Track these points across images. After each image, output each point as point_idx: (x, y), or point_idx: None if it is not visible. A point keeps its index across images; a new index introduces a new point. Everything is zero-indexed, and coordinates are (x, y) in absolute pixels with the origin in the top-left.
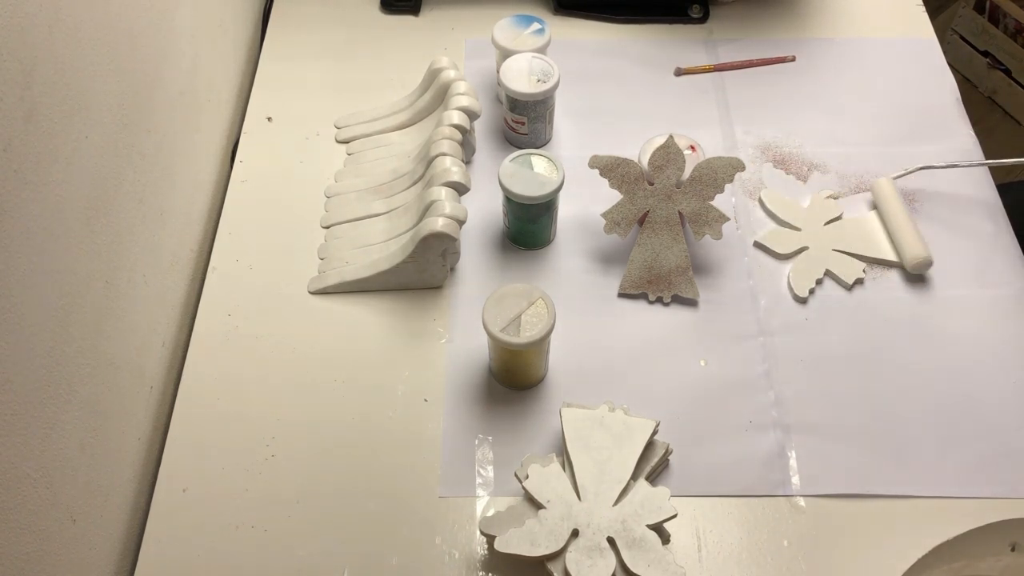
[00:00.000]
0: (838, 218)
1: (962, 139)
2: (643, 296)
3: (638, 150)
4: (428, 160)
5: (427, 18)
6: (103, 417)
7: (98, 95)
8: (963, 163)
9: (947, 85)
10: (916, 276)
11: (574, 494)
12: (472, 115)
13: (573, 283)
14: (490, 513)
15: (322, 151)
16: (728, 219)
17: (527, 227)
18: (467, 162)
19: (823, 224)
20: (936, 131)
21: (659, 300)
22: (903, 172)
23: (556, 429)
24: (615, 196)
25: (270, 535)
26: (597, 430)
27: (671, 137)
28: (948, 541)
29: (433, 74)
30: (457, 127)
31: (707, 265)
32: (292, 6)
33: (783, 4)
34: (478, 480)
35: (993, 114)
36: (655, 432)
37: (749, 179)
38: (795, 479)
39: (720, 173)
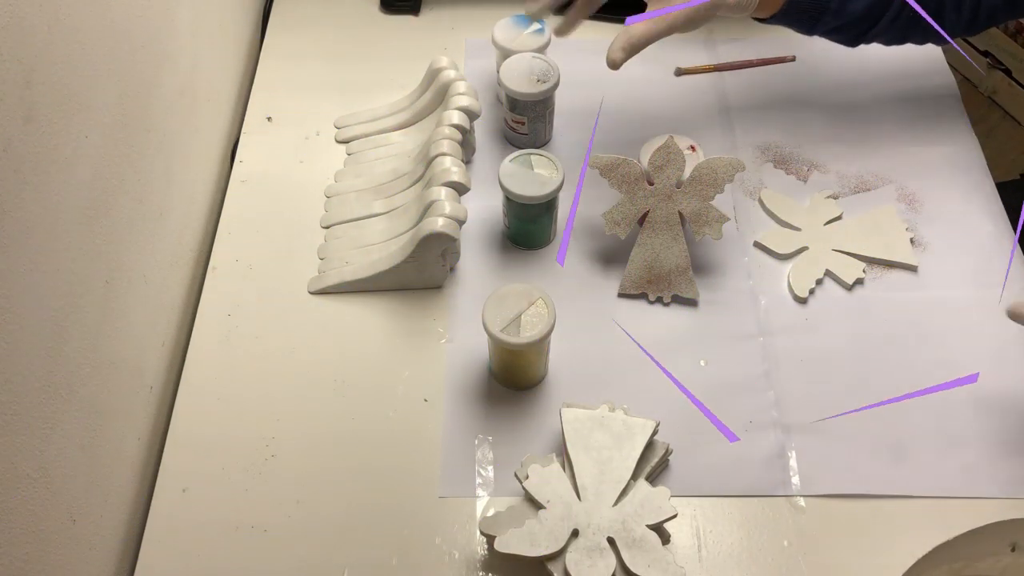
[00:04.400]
0: (838, 218)
1: (962, 139)
2: (643, 296)
3: (638, 150)
4: (428, 160)
5: (427, 18)
6: (103, 417)
7: (98, 95)
8: None
9: (947, 85)
10: (916, 276)
11: (574, 494)
12: (472, 115)
13: (573, 283)
14: (490, 513)
15: (322, 151)
16: (728, 219)
17: (527, 227)
18: (467, 162)
19: (823, 224)
20: (936, 131)
21: (659, 300)
22: None
23: (556, 429)
24: (615, 196)
25: (270, 535)
26: (597, 430)
27: (671, 137)
28: (948, 541)
29: (433, 74)
30: (457, 127)
31: (707, 265)
32: (292, 6)
33: None
34: (478, 480)
35: (993, 114)
36: (655, 432)
37: (749, 179)
38: (795, 479)
39: (720, 173)
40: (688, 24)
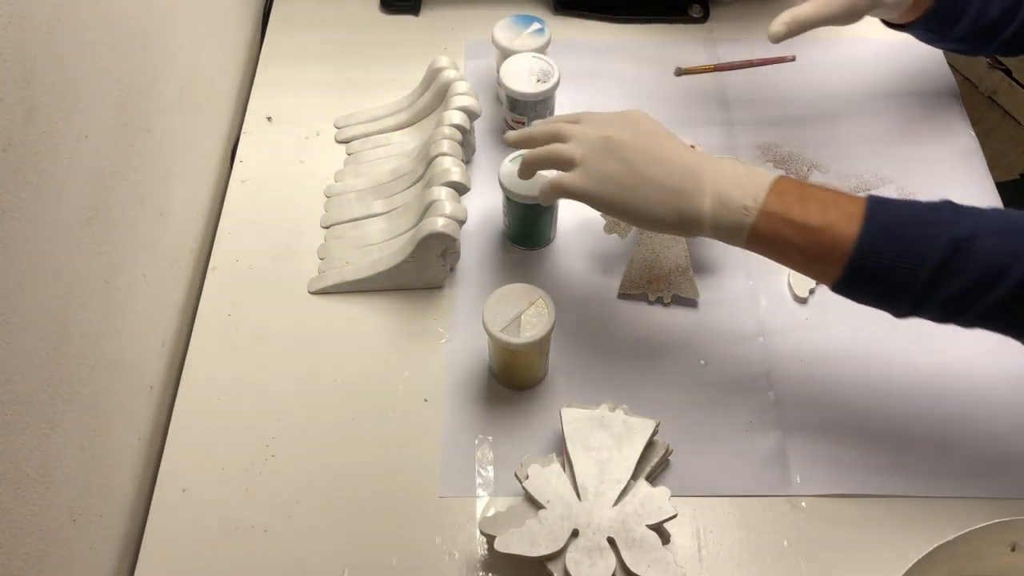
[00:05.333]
0: None
1: (962, 139)
2: (643, 296)
3: None
4: (428, 160)
5: (427, 18)
6: (103, 417)
7: (98, 95)
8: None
9: (947, 85)
10: None
11: (574, 494)
12: (472, 115)
13: (573, 283)
14: (490, 513)
15: (322, 151)
16: None
17: (527, 227)
18: (467, 162)
19: None
20: (936, 131)
21: (659, 300)
22: None
23: (556, 429)
24: None
25: (270, 535)
26: (597, 430)
27: None
28: (948, 541)
29: (433, 74)
30: (457, 127)
31: (707, 265)
32: (292, 6)
33: (783, 4)
34: (478, 480)
35: (993, 114)
36: (655, 432)
37: None
38: (795, 479)
39: None
40: (849, 16)
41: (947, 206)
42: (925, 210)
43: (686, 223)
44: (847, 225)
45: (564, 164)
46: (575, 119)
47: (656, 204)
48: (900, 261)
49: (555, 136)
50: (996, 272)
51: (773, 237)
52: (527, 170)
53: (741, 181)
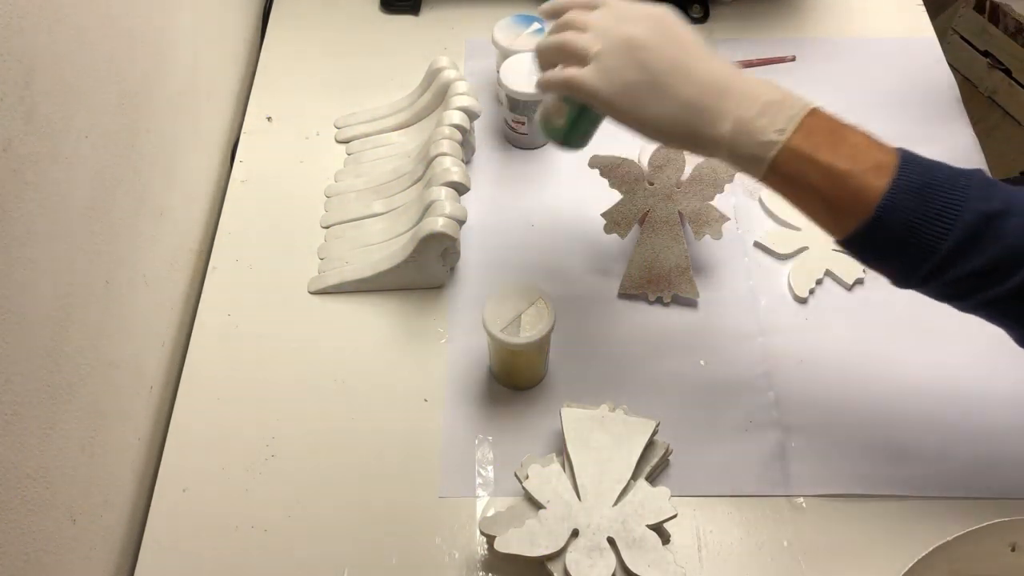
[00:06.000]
0: None
1: (962, 139)
2: (643, 296)
3: (638, 150)
4: (428, 160)
5: (427, 18)
6: (103, 417)
7: (98, 95)
8: None
9: (947, 85)
10: None
11: (574, 494)
12: (472, 115)
13: (573, 283)
14: (490, 513)
15: (322, 151)
16: (728, 219)
17: (583, 126)
18: (467, 162)
19: None
20: (936, 131)
21: (659, 300)
22: None
23: (556, 429)
24: (615, 196)
25: (270, 535)
26: (597, 430)
27: None
28: (948, 541)
29: (433, 74)
30: (457, 127)
31: (707, 265)
32: (292, 6)
33: (783, 4)
34: (478, 480)
35: (993, 114)
36: (655, 432)
37: (749, 179)
38: (795, 479)
39: (720, 173)
40: None
41: (979, 176)
42: (958, 175)
43: (701, 145)
44: (875, 176)
45: (577, 58)
46: (593, 3)
47: (671, 121)
48: (925, 226)
49: (569, 23)
50: (1020, 256)
51: (794, 176)
52: (542, 60)
53: (770, 108)
